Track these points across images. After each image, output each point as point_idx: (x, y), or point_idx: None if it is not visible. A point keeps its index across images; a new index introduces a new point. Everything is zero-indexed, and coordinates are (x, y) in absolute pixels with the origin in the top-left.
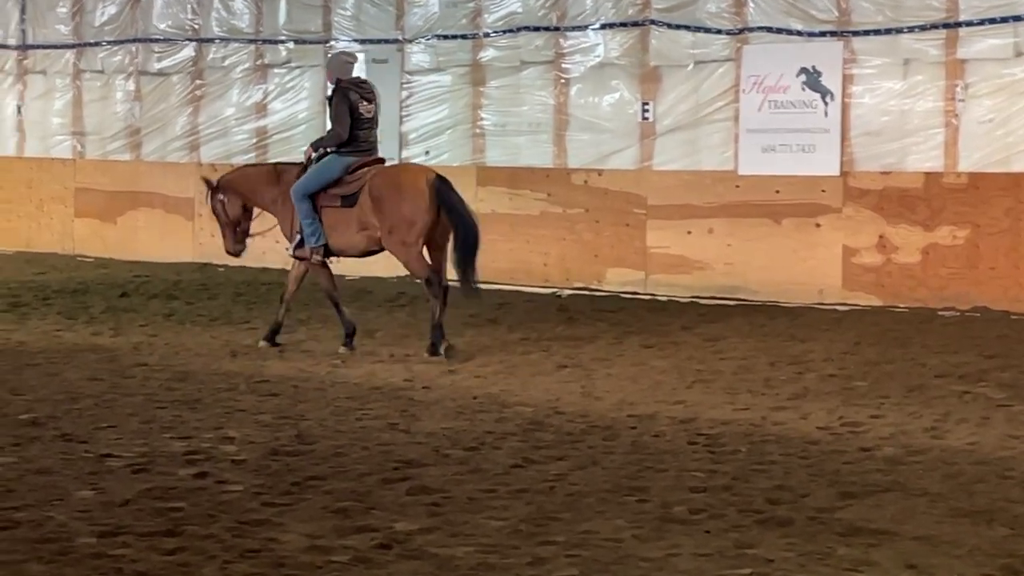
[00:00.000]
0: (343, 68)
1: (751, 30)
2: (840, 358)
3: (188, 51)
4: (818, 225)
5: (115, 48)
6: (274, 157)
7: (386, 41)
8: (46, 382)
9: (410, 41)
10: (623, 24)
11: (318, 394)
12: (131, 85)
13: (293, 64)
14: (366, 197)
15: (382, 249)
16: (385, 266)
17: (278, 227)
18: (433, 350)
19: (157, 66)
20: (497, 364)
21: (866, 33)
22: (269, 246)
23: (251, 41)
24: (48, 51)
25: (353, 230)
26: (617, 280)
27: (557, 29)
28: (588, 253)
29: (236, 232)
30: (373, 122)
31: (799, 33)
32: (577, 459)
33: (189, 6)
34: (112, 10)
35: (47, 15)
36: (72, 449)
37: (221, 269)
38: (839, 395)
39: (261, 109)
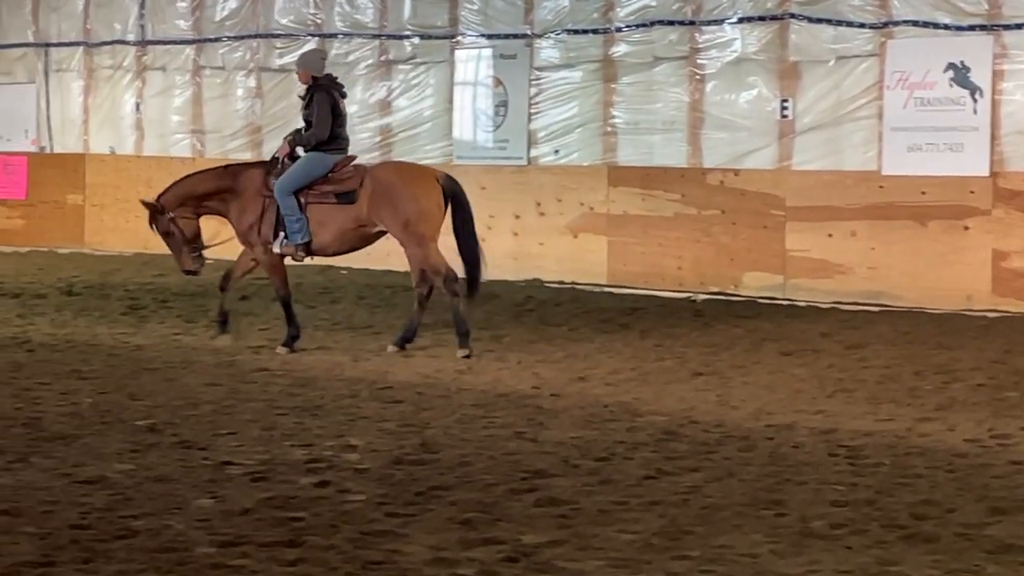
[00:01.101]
0: (319, 65)
1: (896, 24)
2: (989, 367)
3: (310, 46)
4: (966, 228)
5: (236, 44)
6: (399, 156)
7: (514, 36)
8: (164, 387)
9: (539, 36)
10: (761, 18)
11: (443, 401)
12: (252, 81)
13: (418, 60)
14: (370, 193)
15: (364, 246)
16: (513, 269)
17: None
18: (464, 341)
19: (279, 62)
20: (629, 371)
21: (1018, 27)
22: (393, 247)
23: (375, 36)
24: (168, 47)
25: (347, 227)
26: (754, 284)
27: (692, 23)
28: (724, 256)
29: (192, 249)
30: (346, 120)
31: (946, 27)
32: (712, 470)
33: (312, 0)
34: (233, 4)
35: (167, 10)
36: (191, 456)
37: (344, 272)
38: (988, 406)
39: (385, 107)
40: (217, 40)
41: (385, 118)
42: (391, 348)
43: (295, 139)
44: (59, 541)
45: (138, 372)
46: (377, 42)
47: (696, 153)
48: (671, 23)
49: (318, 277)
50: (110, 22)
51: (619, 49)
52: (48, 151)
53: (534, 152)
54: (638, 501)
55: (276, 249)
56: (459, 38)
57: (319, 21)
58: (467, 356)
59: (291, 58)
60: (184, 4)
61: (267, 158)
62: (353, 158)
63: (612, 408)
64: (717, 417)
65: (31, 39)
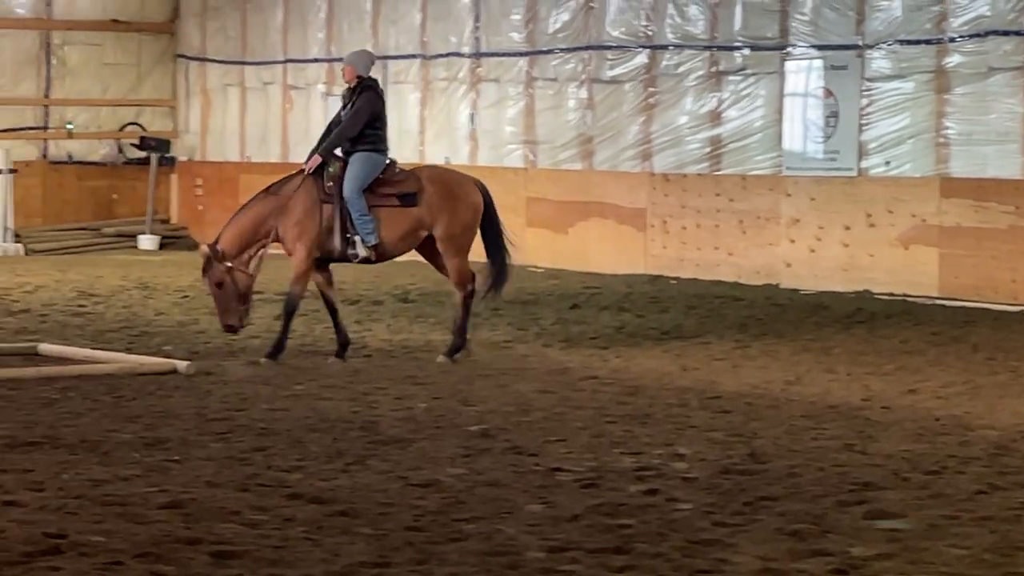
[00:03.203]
0: (367, 66)
1: None
2: None
3: (641, 58)
4: None
5: (568, 55)
6: (728, 167)
7: (845, 47)
8: (497, 394)
9: (871, 46)
10: None
11: (772, 412)
12: (583, 93)
13: (748, 71)
14: (430, 197)
15: (411, 249)
16: (843, 281)
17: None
18: (453, 353)
19: (609, 74)
20: (961, 385)
21: None
22: (722, 258)
23: (706, 48)
24: (501, 59)
25: (408, 229)
26: None
27: None
28: None
29: (240, 303)
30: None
31: None
32: None
33: (643, 12)
34: (565, 17)
35: (501, 23)
36: (521, 462)
37: (673, 282)
38: None
39: (715, 117)
40: (550, 52)
41: (715, 129)
42: (441, 359)
43: (326, 146)
44: (394, 542)
45: (471, 378)
46: (707, 53)
47: None
48: (1006, 33)
49: (647, 287)
50: (446, 35)
51: (952, 59)
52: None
53: (864, 163)
54: (969, 516)
55: (361, 253)
56: (789, 49)
57: (650, 33)
58: (443, 361)
59: (621, 69)
60: (518, 17)
61: (599, 169)
62: (395, 161)
63: (943, 421)
64: None
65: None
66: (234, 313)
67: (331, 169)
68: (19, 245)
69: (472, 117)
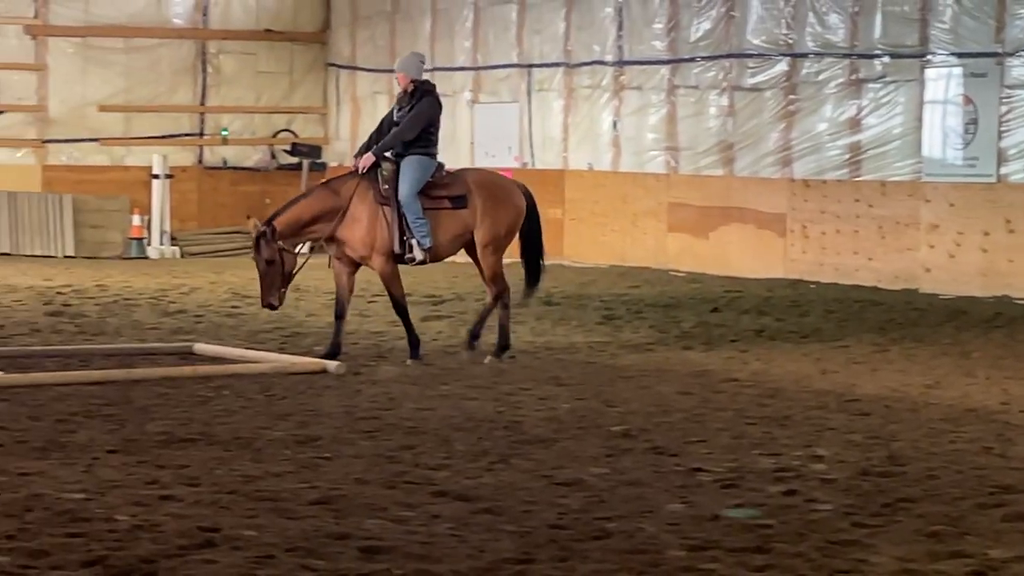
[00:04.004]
0: (419, 70)
1: None
2: None
3: (781, 66)
4: None
5: (709, 63)
6: (867, 174)
7: (984, 54)
8: (638, 395)
9: (1011, 54)
10: None
11: (910, 415)
12: (724, 100)
13: (888, 79)
14: (477, 199)
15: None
16: (981, 286)
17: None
18: (500, 354)
19: (750, 81)
20: None
21: None
22: (861, 263)
23: (845, 56)
24: (643, 67)
25: (458, 231)
26: None
27: None
28: None
29: (284, 283)
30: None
31: None
32: None
33: (783, 21)
34: (706, 26)
35: (643, 32)
36: (662, 462)
37: (812, 286)
38: None
39: (854, 124)
40: (691, 60)
41: (855, 136)
42: (488, 359)
43: (380, 146)
44: (537, 539)
45: (613, 380)
46: (847, 61)
47: None
48: None
49: (787, 291)
50: (589, 44)
51: None
52: (530, 167)
53: (1004, 170)
54: None
55: (418, 256)
56: (929, 57)
57: (791, 41)
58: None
59: (762, 77)
60: (660, 26)
61: (740, 175)
62: (442, 164)
63: None
64: None
65: (515, 60)
66: (276, 292)
67: (384, 172)
68: (175, 248)
69: (615, 124)
